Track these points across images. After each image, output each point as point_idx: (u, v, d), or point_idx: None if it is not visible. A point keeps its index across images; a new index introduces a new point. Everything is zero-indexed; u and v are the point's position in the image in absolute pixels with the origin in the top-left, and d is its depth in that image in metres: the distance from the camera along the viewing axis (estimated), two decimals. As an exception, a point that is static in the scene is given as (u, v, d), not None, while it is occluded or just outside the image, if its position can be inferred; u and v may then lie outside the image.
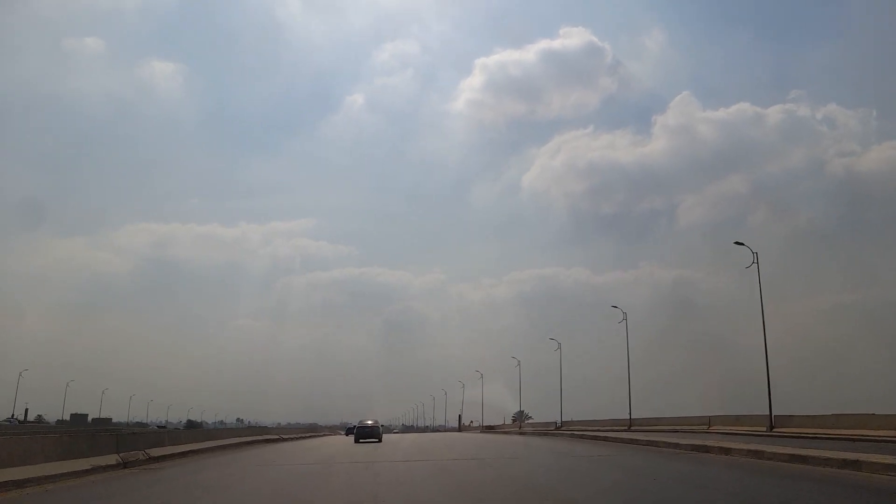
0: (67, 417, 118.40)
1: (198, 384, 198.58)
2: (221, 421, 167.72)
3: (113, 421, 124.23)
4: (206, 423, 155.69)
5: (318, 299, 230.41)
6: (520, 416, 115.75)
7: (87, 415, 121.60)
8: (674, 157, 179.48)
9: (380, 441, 36.81)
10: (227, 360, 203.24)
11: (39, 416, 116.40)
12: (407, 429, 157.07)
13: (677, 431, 33.86)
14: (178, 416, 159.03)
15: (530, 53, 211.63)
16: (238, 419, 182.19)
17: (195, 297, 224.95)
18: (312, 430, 79.02)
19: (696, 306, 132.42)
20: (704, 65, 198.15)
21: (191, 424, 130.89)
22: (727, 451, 18.37)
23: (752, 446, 17.94)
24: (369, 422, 40.28)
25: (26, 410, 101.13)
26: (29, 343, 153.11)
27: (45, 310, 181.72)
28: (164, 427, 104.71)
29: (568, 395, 66.56)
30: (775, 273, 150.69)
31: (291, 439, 49.45)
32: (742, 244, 37.97)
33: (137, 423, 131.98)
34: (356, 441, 37.01)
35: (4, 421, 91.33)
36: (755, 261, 37.38)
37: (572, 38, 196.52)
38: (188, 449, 24.81)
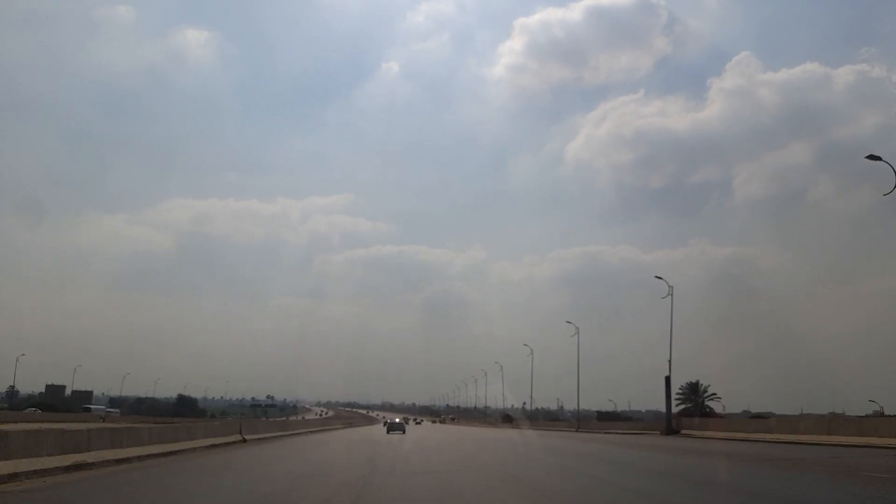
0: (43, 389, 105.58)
1: (235, 361, 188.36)
2: (211, 397, 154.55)
3: (94, 394, 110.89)
4: (206, 399, 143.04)
5: (357, 277, 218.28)
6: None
7: (64, 387, 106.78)
8: (730, 123, 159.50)
9: (404, 433, 46.44)
10: (266, 336, 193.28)
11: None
12: (451, 411, 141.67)
13: None
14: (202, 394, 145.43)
15: (576, 12, 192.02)
16: (268, 395, 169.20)
17: (235, 273, 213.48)
18: (329, 421, 64.89)
19: (751, 288, 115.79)
20: (767, 20, 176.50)
21: (181, 400, 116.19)
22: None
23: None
24: (397, 419, 56.78)
25: None
26: (73, 317, 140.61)
27: (86, 286, 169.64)
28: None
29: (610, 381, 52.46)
30: (840, 252, 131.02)
31: (278, 437, 32.64)
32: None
33: (149, 397, 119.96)
34: (388, 432, 46.03)
35: None
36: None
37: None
38: None
